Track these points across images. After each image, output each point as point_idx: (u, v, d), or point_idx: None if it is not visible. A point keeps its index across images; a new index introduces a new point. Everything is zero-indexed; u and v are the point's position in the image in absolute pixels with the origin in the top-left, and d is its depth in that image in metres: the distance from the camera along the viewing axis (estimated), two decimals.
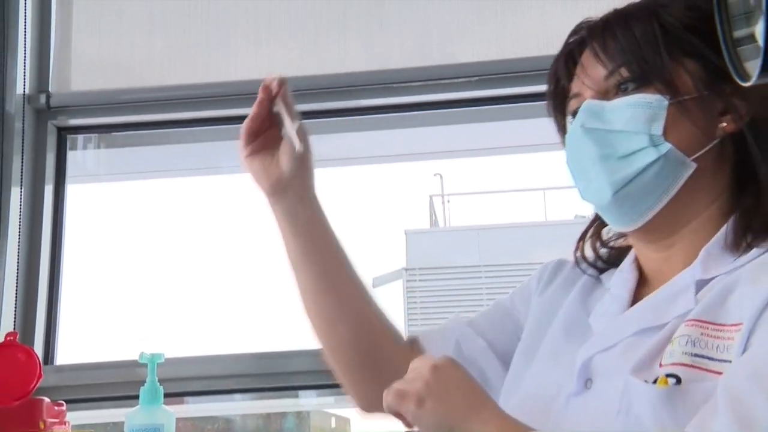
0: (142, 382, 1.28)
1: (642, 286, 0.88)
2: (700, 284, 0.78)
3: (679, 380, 0.70)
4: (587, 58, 0.85)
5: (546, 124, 0.95)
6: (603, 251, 0.94)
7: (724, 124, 0.81)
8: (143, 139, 2.08)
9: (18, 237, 1.85)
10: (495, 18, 1.84)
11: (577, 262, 0.96)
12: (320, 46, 1.90)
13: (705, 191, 0.81)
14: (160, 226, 2.08)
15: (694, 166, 0.79)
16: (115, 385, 1.82)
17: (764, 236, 0.77)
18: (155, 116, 1.98)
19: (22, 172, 1.87)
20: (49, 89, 1.97)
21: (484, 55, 1.82)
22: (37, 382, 1.49)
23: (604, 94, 0.82)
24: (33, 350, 1.53)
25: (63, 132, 2.01)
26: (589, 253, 0.94)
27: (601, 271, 0.95)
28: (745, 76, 0.73)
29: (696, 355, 0.71)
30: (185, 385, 1.74)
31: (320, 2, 1.91)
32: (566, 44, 0.88)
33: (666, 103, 0.79)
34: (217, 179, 2.12)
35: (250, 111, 1.00)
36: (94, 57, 2.03)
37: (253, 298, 1.93)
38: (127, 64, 2.00)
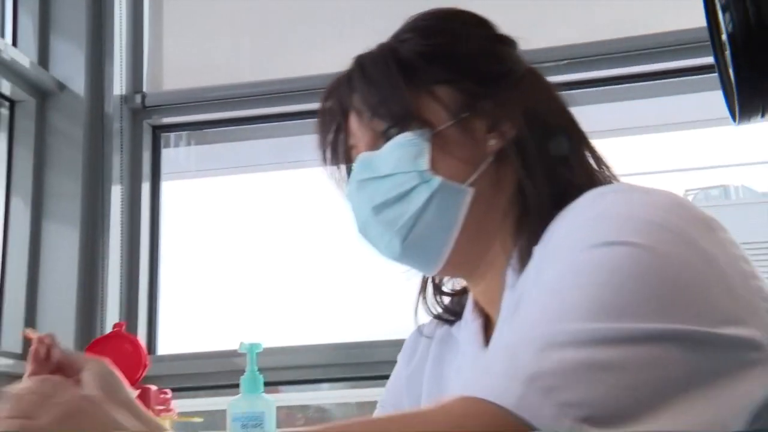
0: (240, 372, 1.32)
1: (489, 328, 0.83)
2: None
3: None
4: (350, 115, 0.82)
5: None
6: (446, 300, 0.89)
7: (492, 142, 0.78)
8: (232, 135, 2.13)
9: (120, 233, 1.94)
10: None
11: (418, 324, 0.90)
12: None
13: (491, 212, 0.77)
14: (251, 219, 2.13)
15: (471, 191, 0.76)
16: (213, 374, 1.88)
17: (533, 245, 0.72)
18: (244, 112, 2.03)
19: (121, 171, 1.95)
20: (143, 89, 2.05)
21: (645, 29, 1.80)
22: (144, 370, 1.55)
23: (375, 145, 0.80)
24: (139, 340, 1.60)
25: (157, 130, 2.08)
26: (433, 307, 0.89)
27: (452, 323, 0.89)
28: (735, 116, 0.69)
29: None
30: (281, 375, 1.78)
31: None
32: (321, 109, 0.84)
33: (426, 136, 0.76)
34: (305, 172, 2.16)
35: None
36: (184, 57, 2.09)
37: (343, 288, 1.96)
38: (215, 63, 2.06)
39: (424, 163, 0.76)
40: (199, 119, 2.07)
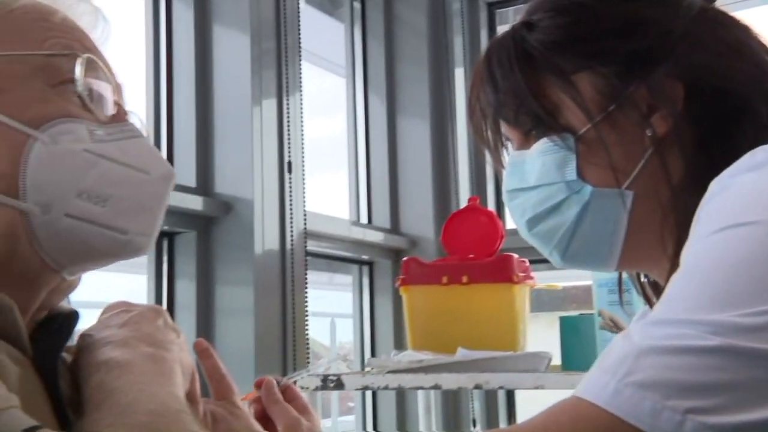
0: None
1: None
2: None
3: None
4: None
5: None
6: (645, 281, 0.78)
7: (650, 131, 0.65)
8: None
9: (466, 114, 2.02)
10: None
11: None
12: None
13: (660, 208, 0.65)
14: None
15: (630, 193, 0.65)
16: None
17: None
18: None
19: (463, 53, 2.02)
20: None
21: None
22: (501, 241, 1.63)
23: (525, 143, 0.70)
24: (494, 213, 1.68)
25: (492, 7, 2.10)
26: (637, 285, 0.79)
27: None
28: None
29: None
30: None
31: None
32: (469, 102, 0.74)
33: (572, 140, 0.66)
34: None
35: None
36: None
37: None
38: None
39: (571, 171, 0.67)
40: None
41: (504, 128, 0.72)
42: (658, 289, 0.73)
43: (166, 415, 0.47)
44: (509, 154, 0.73)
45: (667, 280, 0.65)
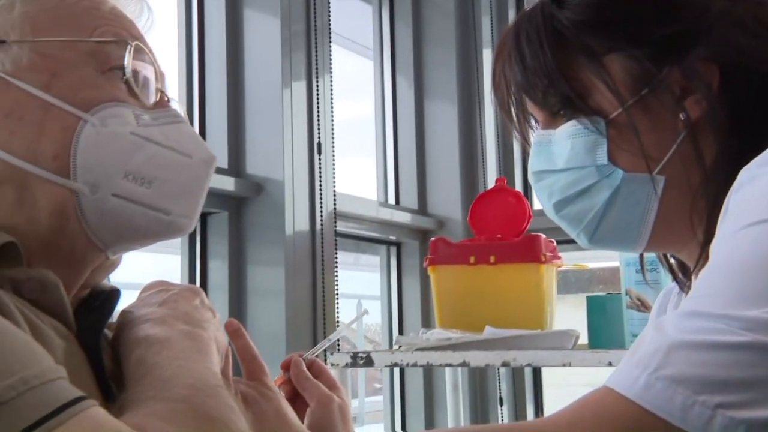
0: None
1: None
2: None
3: None
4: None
5: None
6: (672, 261, 0.77)
7: (683, 115, 0.63)
8: None
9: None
10: None
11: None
12: None
13: (691, 192, 0.64)
14: None
15: (662, 179, 0.64)
16: None
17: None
18: None
19: (492, 34, 2.01)
20: None
21: None
22: (528, 221, 1.64)
23: (551, 123, 0.69)
24: (521, 193, 1.68)
25: None
26: (665, 264, 0.78)
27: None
28: None
29: None
30: None
31: None
32: (493, 73, 0.72)
33: (601, 125, 0.65)
34: None
35: None
36: None
37: None
38: None
39: (602, 156, 0.65)
40: None
41: (529, 106, 0.70)
42: (685, 269, 0.73)
43: (205, 389, 0.49)
44: (534, 132, 0.72)
45: (696, 263, 0.67)
